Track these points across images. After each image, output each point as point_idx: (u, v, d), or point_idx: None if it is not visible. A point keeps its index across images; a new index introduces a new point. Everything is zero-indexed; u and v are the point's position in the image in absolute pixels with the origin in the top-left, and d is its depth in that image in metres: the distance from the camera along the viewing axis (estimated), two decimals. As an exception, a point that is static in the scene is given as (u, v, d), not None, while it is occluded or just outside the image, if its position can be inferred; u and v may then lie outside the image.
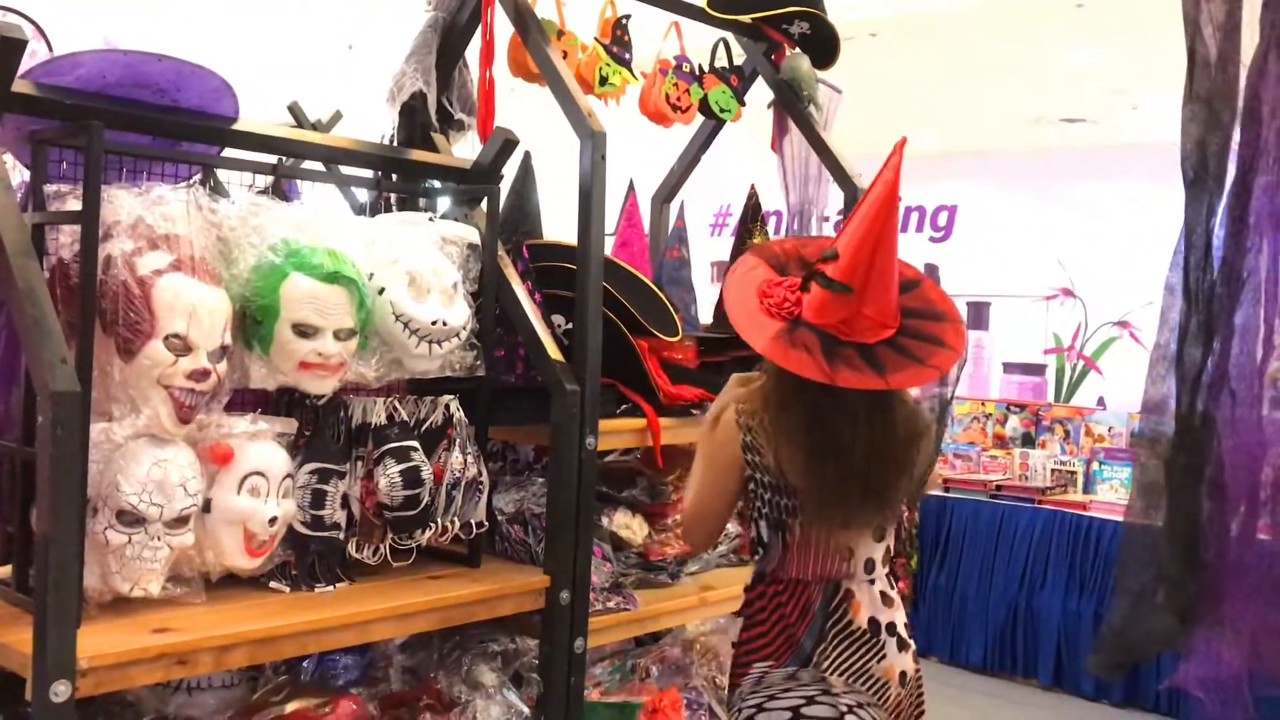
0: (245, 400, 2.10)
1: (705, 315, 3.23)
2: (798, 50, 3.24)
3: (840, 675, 2.14)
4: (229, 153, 2.23)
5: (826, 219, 3.82)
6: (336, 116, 3.88)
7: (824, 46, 3.21)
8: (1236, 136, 1.75)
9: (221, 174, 2.26)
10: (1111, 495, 5.65)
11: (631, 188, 3.40)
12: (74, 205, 1.82)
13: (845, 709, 2.05)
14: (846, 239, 2.07)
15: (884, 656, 2.18)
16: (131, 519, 1.81)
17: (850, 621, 2.17)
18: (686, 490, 2.29)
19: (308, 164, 2.37)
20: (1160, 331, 1.89)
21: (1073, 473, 5.87)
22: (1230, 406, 1.79)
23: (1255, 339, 1.78)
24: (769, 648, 2.18)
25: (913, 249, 10.39)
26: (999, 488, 5.92)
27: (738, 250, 3.12)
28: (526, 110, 3.11)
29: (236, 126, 2.14)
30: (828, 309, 2.07)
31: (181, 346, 1.83)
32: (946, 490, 6.02)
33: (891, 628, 2.21)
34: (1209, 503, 1.83)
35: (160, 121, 2.04)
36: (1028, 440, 6.21)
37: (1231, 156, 1.76)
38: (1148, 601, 1.90)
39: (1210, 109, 1.74)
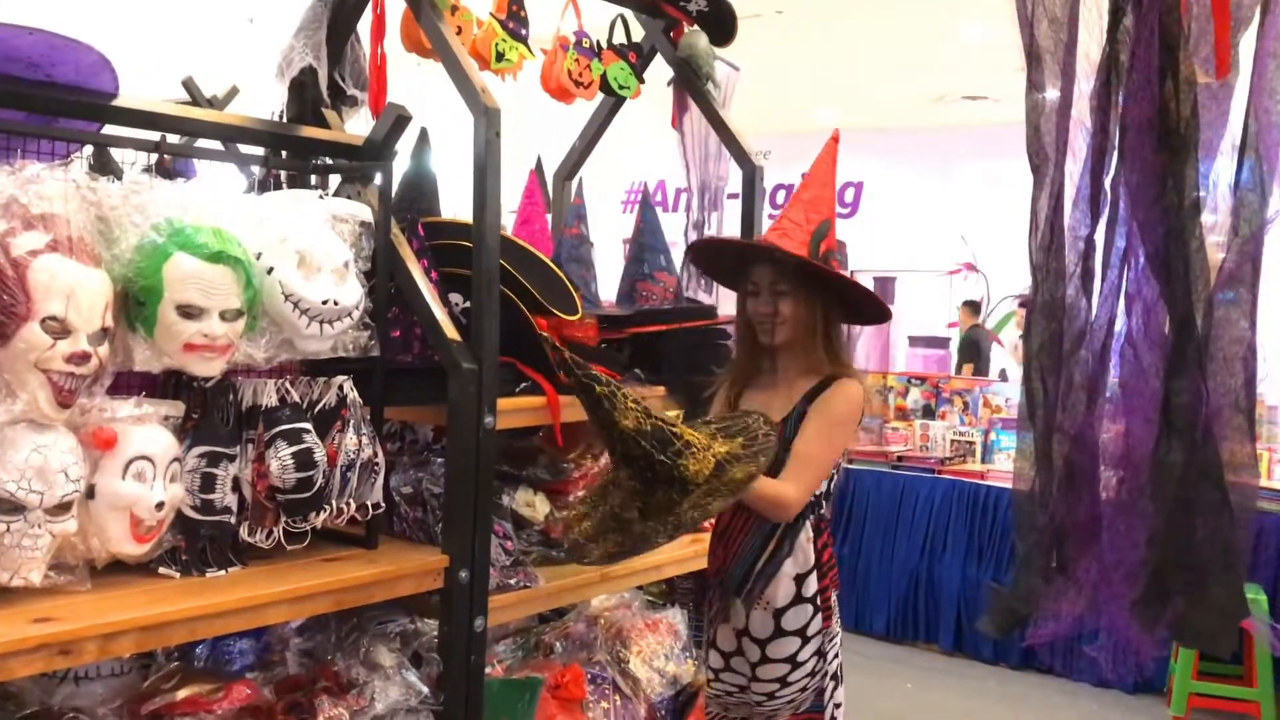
0: (130, 383, 2.05)
1: (607, 293, 3.25)
2: (696, 28, 3.25)
3: None
4: (115, 130, 2.17)
5: (735, 195, 3.86)
6: (233, 92, 3.80)
7: (722, 24, 3.23)
8: (1079, 122, 1.81)
9: (113, 153, 2.20)
10: (1008, 465, 5.80)
11: (539, 166, 3.39)
12: (-59, 185, 1.76)
13: None
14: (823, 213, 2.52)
15: None
16: (10, 507, 1.76)
17: None
18: (810, 465, 2.48)
19: (200, 142, 2.32)
20: (1028, 313, 1.97)
21: (971, 443, 6.03)
22: (1071, 377, 1.86)
23: (1090, 312, 1.85)
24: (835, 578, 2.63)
25: (820, 225, 10.53)
26: (900, 459, 6.05)
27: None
28: (430, 85, 3.07)
29: (117, 102, 2.08)
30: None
31: (60, 329, 1.78)
32: (850, 462, 6.13)
33: None
34: (1054, 469, 1.90)
35: (33, 97, 1.97)
36: (928, 412, 6.36)
37: (1073, 142, 1.82)
38: (1028, 564, 1.98)
39: (1048, 99, 1.81)
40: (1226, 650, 1.86)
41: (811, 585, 2.48)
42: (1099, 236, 1.79)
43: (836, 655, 2.55)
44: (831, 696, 2.53)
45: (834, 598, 2.55)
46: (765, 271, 2.52)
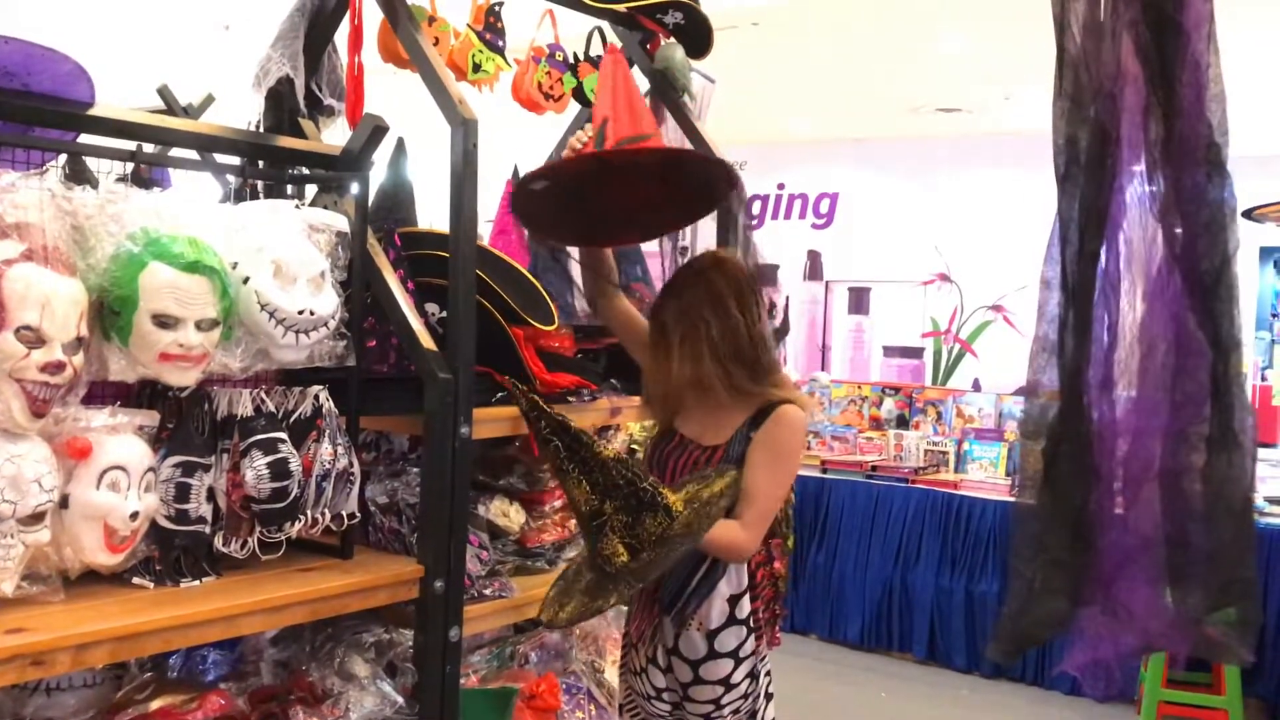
0: (105, 393, 2.05)
1: (584, 303, 3.24)
2: (672, 40, 3.27)
3: None
4: (91, 140, 2.16)
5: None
6: (208, 100, 3.78)
7: (698, 36, 3.25)
8: (1106, 135, 1.83)
9: (89, 162, 2.19)
10: (981, 475, 5.86)
11: (516, 176, 3.38)
12: (-85, 193, 1.75)
13: None
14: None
15: None
16: (-18, 517, 1.75)
17: None
18: (760, 503, 2.39)
19: (175, 151, 2.32)
20: (1039, 324, 1.95)
21: (944, 453, 6.06)
22: (1112, 393, 1.87)
23: (1126, 328, 1.87)
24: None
25: (796, 236, 10.58)
26: (874, 468, 6.08)
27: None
28: (406, 94, 3.07)
29: (93, 112, 2.08)
30: None
31: (34, 339, 1.78)
32: (824, 471, 6.16)
33: None
34: (1093, 488, 1.89)
35: (8, 106, 1.97)
36: (902, 422, 6.39)
37: (1096, 154, 1.83)
38: (1040, 586, 1.95)
39: (1078, 105, 1.81)
40: (1246, 659, 1.87)
41: (745, 607, 2.45)
42: (1118, 247, 1.81)
43: (768, 674, 2.54)
44: (764, 716, 2.54)
45: (774, 617, 2.53)
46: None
